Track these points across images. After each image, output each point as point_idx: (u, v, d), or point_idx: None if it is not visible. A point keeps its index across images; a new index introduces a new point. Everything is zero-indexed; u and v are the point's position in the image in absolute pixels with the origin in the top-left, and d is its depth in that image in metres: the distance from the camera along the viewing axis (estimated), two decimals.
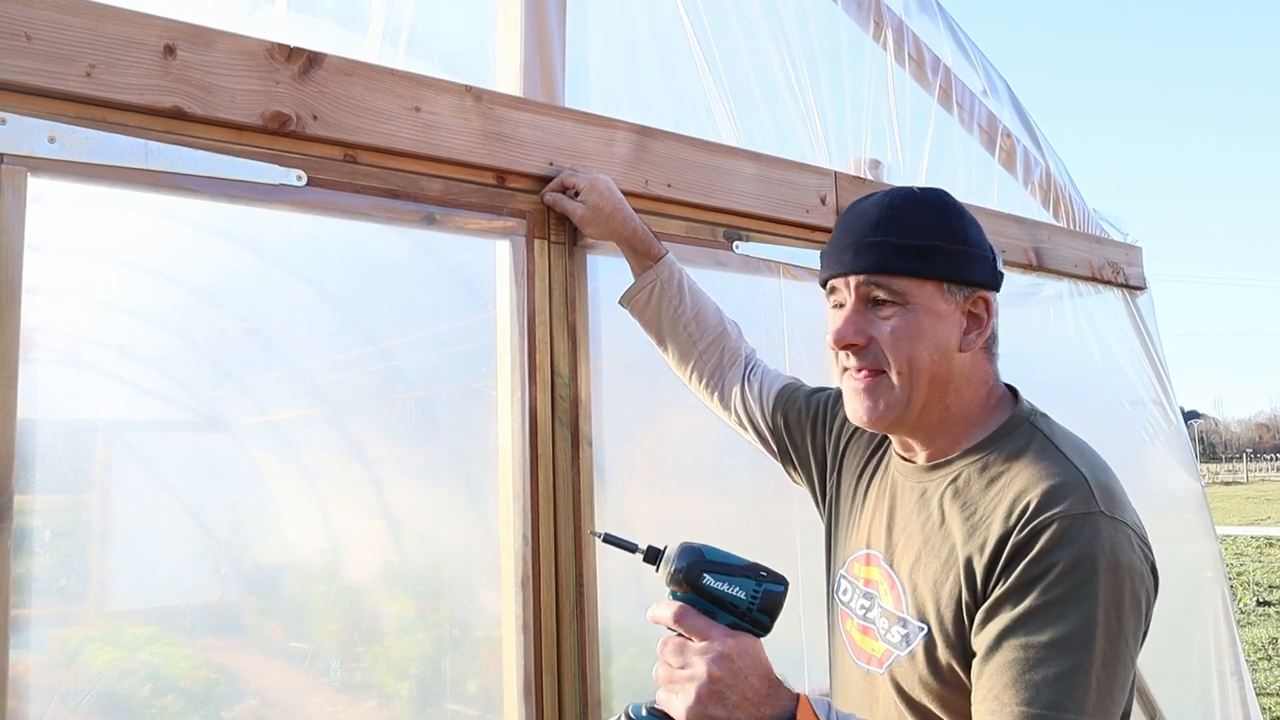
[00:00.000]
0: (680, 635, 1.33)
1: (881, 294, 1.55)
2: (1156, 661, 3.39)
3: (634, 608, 2.42)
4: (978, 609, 1.44)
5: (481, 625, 2.17)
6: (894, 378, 1.55)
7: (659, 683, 1.33)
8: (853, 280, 1.57)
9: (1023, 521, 1.42)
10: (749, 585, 1.33)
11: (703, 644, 1.30)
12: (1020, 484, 1.47)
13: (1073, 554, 1.37)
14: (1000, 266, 1.64)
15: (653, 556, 1.37)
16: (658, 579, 1.37)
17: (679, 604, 1.33)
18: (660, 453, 2.56)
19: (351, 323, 2.27)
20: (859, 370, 1.58)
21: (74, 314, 1.82)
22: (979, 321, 1.60)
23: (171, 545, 1.95)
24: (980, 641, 1.41)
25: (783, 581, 1.35)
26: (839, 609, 1.76)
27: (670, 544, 1.37)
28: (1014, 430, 1.58)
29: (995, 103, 3.56)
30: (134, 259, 1.97)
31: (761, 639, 1.34)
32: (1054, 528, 1.39)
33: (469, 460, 2.26)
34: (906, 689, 1.53)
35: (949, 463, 1.60)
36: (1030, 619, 1.37)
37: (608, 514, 2.22)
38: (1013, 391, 1.68)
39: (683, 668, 1.30)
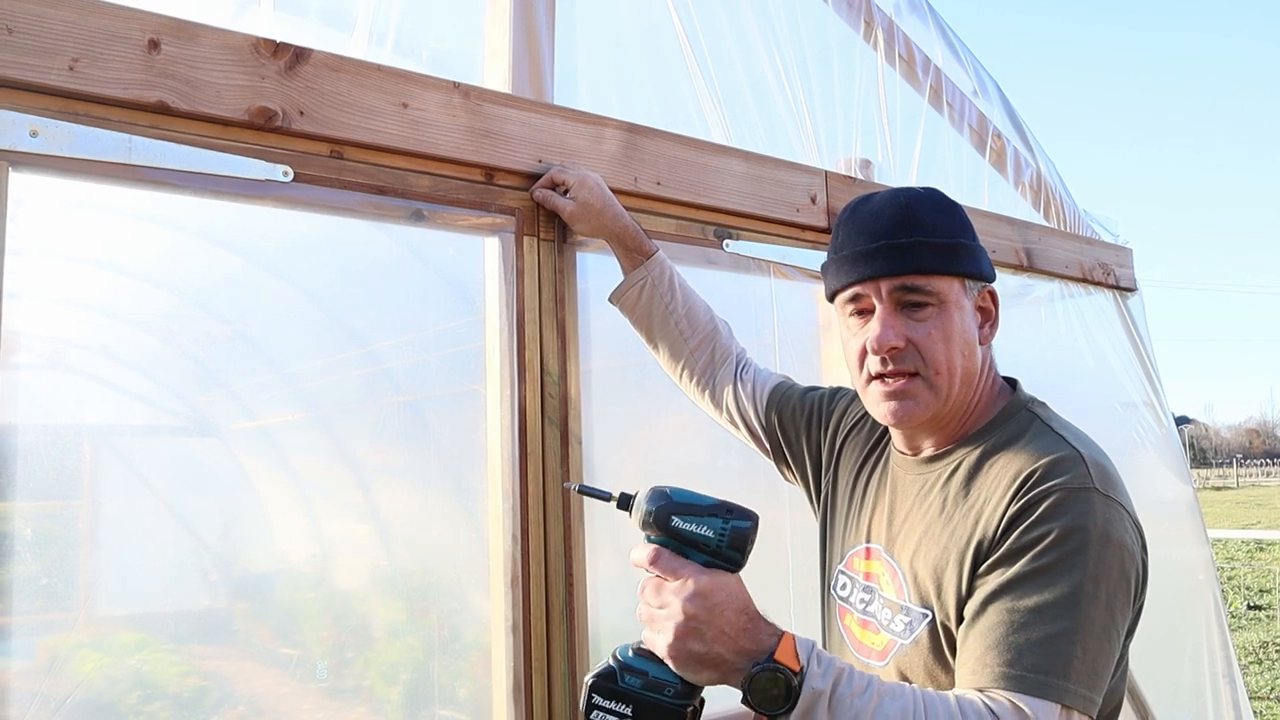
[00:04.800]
0: (659, 576, 1.35)
1: (918, 296, 1.55)
2: (1149, 664, 3.38)
3: (625, 608, 2.40)
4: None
5: (472, 628, 2.16)
6: (933, 378, 1.55)
7: (642, 623, 1.36)
8: (885, 285, 1.56)
9: (1020, 492, 1.43)
10: (716, 524, 1.35)
11: (677, 583, 1.32)
12: (1019, 463, 1.48)
13: (1065, 524, 1.38)
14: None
15: (625, 503, 1.41)
16: (632, 525, 1.41)
17: (653, 547, 1.36)
18: (650, 452, 2.55)
19: (339, 324, 2.26)
20: (894, 374, 1.57)
21: (57, 317, 1.81)
22: (989, 314, 1.64)
23: (159, 551, 1.93)
24: (969, 607, 1.42)
25: (750, 517, 1.38)
26: (836, 604, 1.76)
27: (641, 489, 1.41)
28: (1011, 417, 1.60)
29: (986, 103, 3.57)
30: (117, 261, 1.96)
31: (738, 574, 1.37)
32: (1050, 499, 1.41)
33: (458, 460, 2.24)
34: (910, 678, 1.53)
35: (949, 453, 1.61)
36: (1017, 584, 1.38)
37: (598, 513, 2.20)
38: (1011, 383, 1.70)
39: (661, 607, 1.32)
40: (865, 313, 1.60)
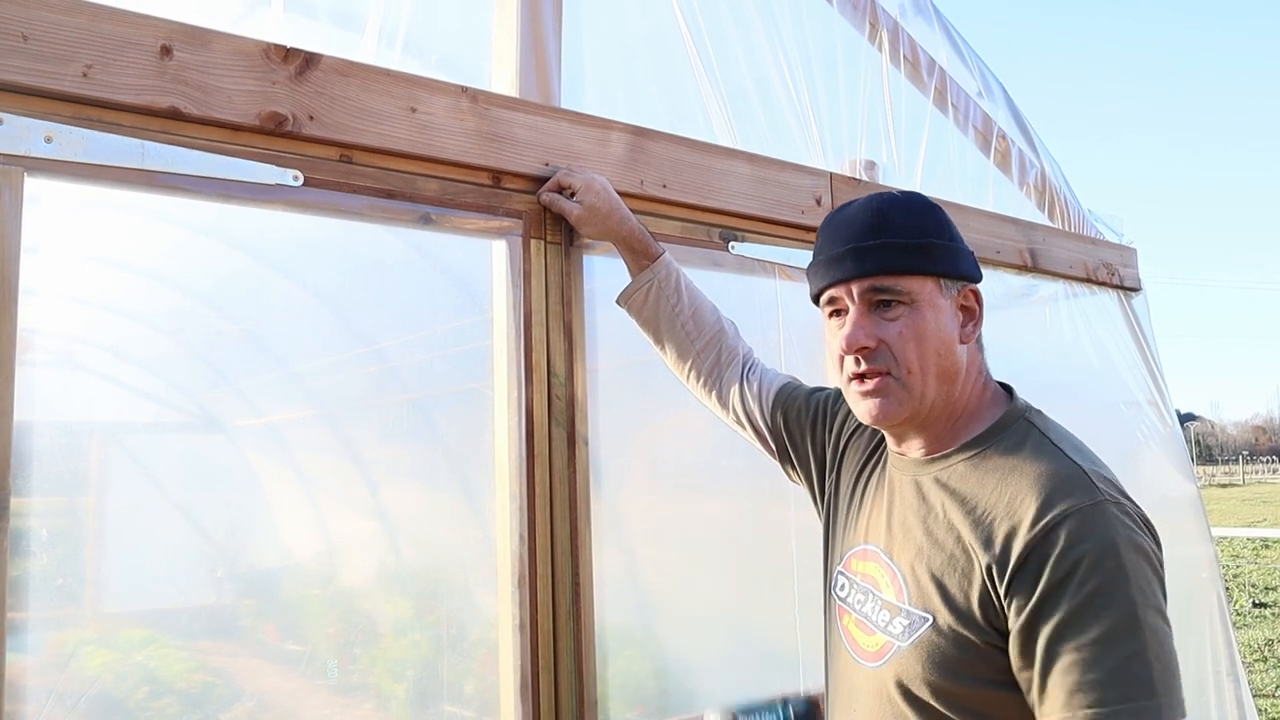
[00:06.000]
0: None
1: (887, 295, 1.57)
2: None
3: (631, 609, 2.41)
4: (994, 606, 1.44)
5: (478, 626, 2.17)
6: (905, 377, 1.57)
7: None
8: (855, 286, 1.58)
9: (1032, 520, 1.43)
10: (778, 710, 1.39)
11: None
12: (1024, 482, 1.48)
13: (1093, 547, 1.39)
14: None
15: None
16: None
17: None
18: (657, 453, 2.56)
19: (347, 324, 2.27)
20: (869, 374, 1.59)
21: (69, 315, 1.82)
22: (971, 314, 1.64)
23: (167, 548, 1.95)
24: (1031, 656, 1.41)
25: (810, 701, 1.40)
26: (836, 605, 1.77)
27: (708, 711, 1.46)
28: (1009, 426, 1.60)
29: (990, 104, 3.57)
30: (129, 261, 1.97)
31: None
32: (1068, 524, 1.40)
33: (465, 461, 2.26)
34: (905, 681, 1.53)
35: (945, 456, 1.62)
36: (1073, 620, 1.37)
37: (604, 514, 2.22)
38: (1007, 390, 1.71)
39: None
40: (841, 314, 1.63)
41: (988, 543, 1.47)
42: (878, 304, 1.58)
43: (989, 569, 1.45)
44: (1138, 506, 1.48)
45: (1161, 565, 1.45)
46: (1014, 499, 1.47)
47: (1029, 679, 1.42)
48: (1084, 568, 1.38)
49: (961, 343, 1.62)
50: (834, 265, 1.60)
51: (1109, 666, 1.34)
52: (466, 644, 2.18)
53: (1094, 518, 1.41)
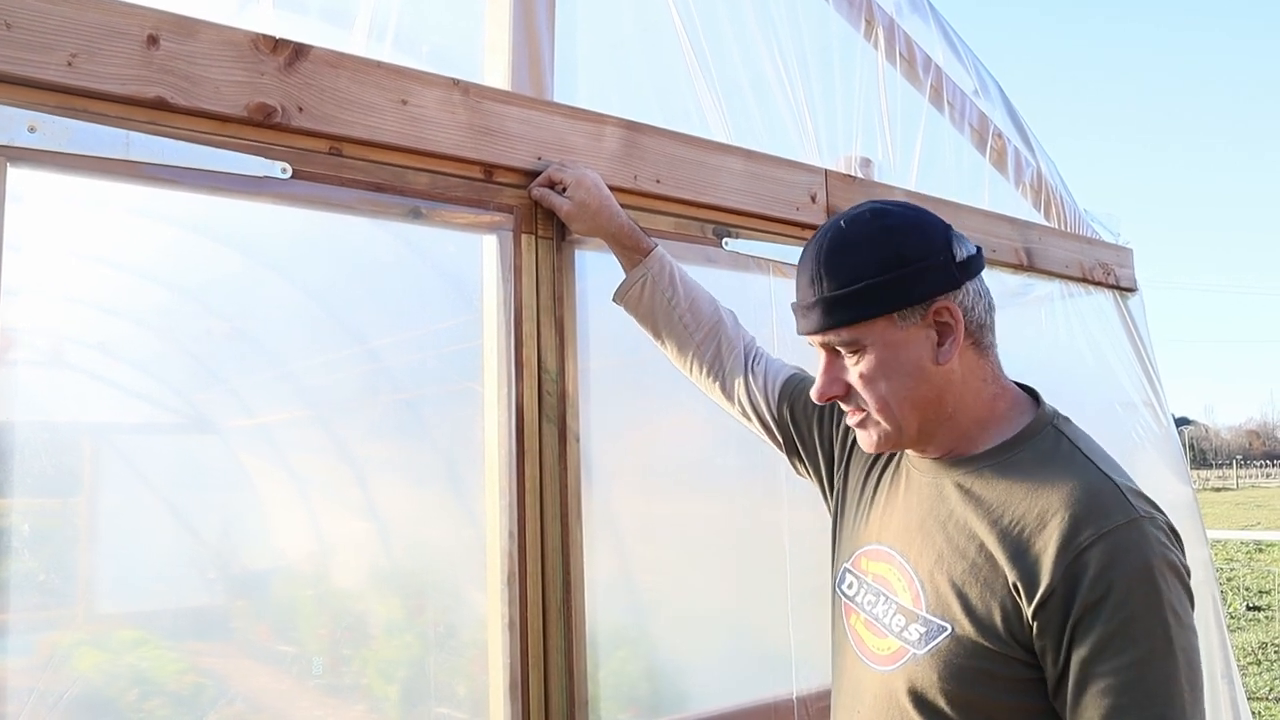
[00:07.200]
0: None
1: (840, 345, 1.59)
2: None
3: (623, 607, 2.40)
4: (1018, 620, 1.43)
5: (469, 626, 2.16)
6: (876, 414, 1.59)
7: None
8: (811, 340, 1.63)
9: (1065, 540, 1.41)
10: None
11: None
12: (1055, 496, 1.46)
13: (1129, 568, 1.38)
14: (961, 256, 1.58)
15: None
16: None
17: None
18: (649, 451, 2.55)
19: (337, 321, 2.25)
20: (851, 413, 1.64)
21: (55, 313, 1.81)
22: (949, 329, 1.56)
23: (158, 548, 1.94)
24: (1066, 678, 1.41)
25: None
26: (842, 603, 1.75)
27: None
28: (1037, 433, 1.58)
29: (987, 103, 3.56)
30: (116, 258, 1.96)
31: None
32: (1102, 545, 1.39)
33: (455, 458, 2.24)
34: (920, 688, 1.51)
35: (970, 460, 1.59)
36: (1109, 644, 1.37)
37: (596, 512, 2.20)
38: (1031, 393, 1.67)
39: None
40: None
41: (1016, 556, 1.45)
42: (836, 351, 1.61)
43: (1015, 585, 1.43)
44: (1167, 517, 1.46)
45: (1189, 573, 1.44)
46: (1045, 514, 1.45)
47: (1063, 699, 1.42)
48: (1119, 590, 1.37)
49: (939, 363, 1.56)
50: (795, 316, 1.65)
51: (1144, 690, 1.35)
52: (456, 643, 2.17)
53: (1130, 537, 1.39)
